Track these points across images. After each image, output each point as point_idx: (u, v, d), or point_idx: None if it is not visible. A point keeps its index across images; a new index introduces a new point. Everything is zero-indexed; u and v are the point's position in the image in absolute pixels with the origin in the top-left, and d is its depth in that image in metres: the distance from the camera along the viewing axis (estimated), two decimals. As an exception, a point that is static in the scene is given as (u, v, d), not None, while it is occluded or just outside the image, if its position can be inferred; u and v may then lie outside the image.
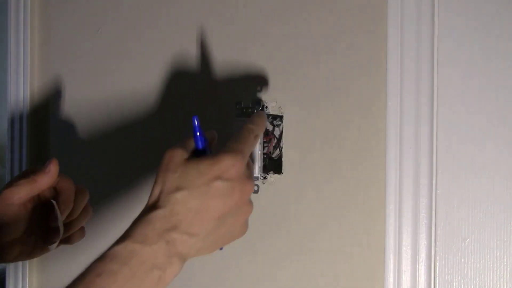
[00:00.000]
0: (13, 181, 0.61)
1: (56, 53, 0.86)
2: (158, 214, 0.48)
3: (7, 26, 0.88)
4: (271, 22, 0.71)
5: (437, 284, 0.63)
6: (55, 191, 0.62)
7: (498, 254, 0.61)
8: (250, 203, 0.51)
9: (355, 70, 0.67)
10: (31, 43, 0.87)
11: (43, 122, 0.87)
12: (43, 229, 0.63)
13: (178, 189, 0.48)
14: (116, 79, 0.81)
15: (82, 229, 0.67)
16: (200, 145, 0.51)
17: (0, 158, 1.37)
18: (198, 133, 0.51)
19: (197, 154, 0.51)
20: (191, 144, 0.52)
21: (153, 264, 0.46)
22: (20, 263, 0.87)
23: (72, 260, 0.85)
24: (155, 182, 0.50)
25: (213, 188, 0.48)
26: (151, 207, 0.49)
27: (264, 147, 0.70)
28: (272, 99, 0.71)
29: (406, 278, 0.63)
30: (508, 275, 0.60)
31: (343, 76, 0.67)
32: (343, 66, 0.67)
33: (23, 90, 0.87)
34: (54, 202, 0.60)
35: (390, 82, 0.64)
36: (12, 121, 0.88)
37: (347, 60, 0.67)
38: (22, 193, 0.59)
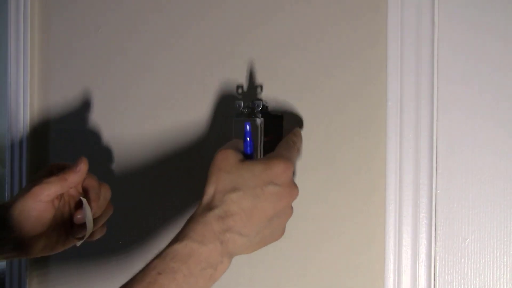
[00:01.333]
0: (42, 178, 0.62)
1: (56, 53, 0.86)
2: (214, 214, 0.50)
3: (7, 26, 0.88)
4: (271, 21, 0.71)
5: (437, 284, 0.63)
6: (81, 188, 0.65)
7: (498, 254, 0.61)
8: (290, 207, 0.54)
9: (355, 70, 0.67)
10: (31, 43, 0.87)
11: (43, 122, 0.87)
12: (66, 224, 0.65)
13: (233, 189, 0.50)
14: (116, 79, 0.81)
15: (103, 225, 0.68)
16: (249, 150, 0.54)
17: (0, 158, 1.37)
18: (248, 138, 0.54)
19: (244, 158, 0.53)
20: (240, 147, 0.55)
21: (208, 263, 0.49)
22: (19, 263, 0.87)
23: (72, 260, 0.85)
24: (208, 182, 0.52)
25: (266, 191, 0.50)
26: (206, 207, 0.50)
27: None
28: (272, 99, 0.71)
29: (406, 278, 0.63)
30: (508, 275, 0.60)
31: (343, 76, 0.67)
32: (343, 66, 0.67)
33: (23, 90, 0.87)
34: (84, 200, 0.62)
35: (390, 82, 0.64)
36: (12, 121, 0.88)
37: (347, 60, 0.67)
38: (52, 191, 0.61)
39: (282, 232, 0.55)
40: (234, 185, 0.50)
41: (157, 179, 0.79)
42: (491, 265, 0.61)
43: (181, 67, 0.77)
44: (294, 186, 0.52)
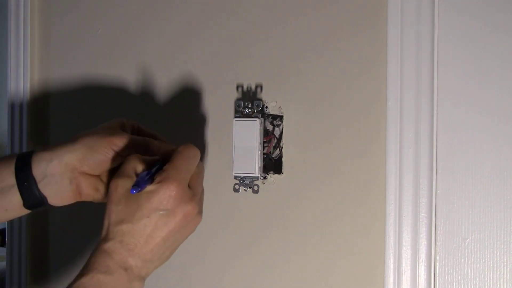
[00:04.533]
0: (124, 128, 0.63)
1: (56, 53, 0.86)
2: (110, 245, 0.51)
3: (7, 26, 0.88)
4: (271, 21, 0.71)
5: (437, 284, 0.63)
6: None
7: (498, 254, 0.61)
8: (196, 216, 0.55)
9: (355, 70, 0.67)
10: (31, 43, 0.87)
11: (43, 122, 0.87)
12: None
13: (122, 221, 0.52)
14: (116, 80, 0.81)
15: None
16: (142, 184, 0.53)
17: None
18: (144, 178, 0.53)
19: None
20: (137, 169, 0.55)
21: None
22: (19, 263, 0.87)
23: (72, 260, 0.85)
24: (104, 214, 0.53)
25: (154, 219, 0.52)
26: (104, 239, 0.52)
27: (264, 147, 0.70)
28: (272, 99, 0.71)
29: (406, 278, 0.63)
30: (508, 275, 0.60)
31: (343, 76, 0.67)
32: (343, 66, 0.67)
33: (23, 90, 0.87)
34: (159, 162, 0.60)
35: (390, 82, 0.64)
36: (12, 121, 0.88)
37: (347, 60, 0.67)
38: (132, 150, 0.60)
39: (191, 232, 0.56)
40: (123, 217, 0.52)
41: None
42: (491, 265, 0.61)
43: (181, 67, 0.77)
44: (187, 203, 0.53)
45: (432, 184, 0.63)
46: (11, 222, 0.87)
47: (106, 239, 0.52)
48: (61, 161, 0.59)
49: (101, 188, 0.62)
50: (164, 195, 0.52)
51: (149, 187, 0.52)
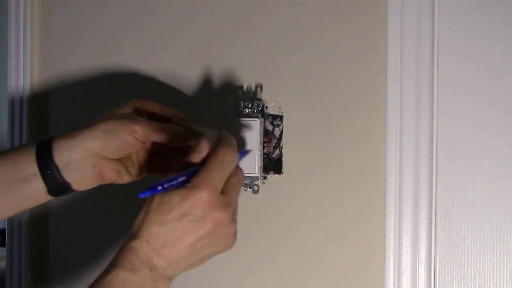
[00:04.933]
0: (140, 112, 0.62)
1: (56, 53, 0.86)
2: (137, 244, 0.51)
3: (7, 25, 0.88)
4: (271, 21, 0.71)
5: (437, 284, 0.63)
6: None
7: (498, 254, 0.61)
8: (228, 226, 0.53)
9: (355, 70, 0.67)
10: (31, 43, 0.87)
11: (43, 122, 0.87)
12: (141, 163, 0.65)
13: (152, 221, 0.51)
14: (116, 80, 0.81)
15: None
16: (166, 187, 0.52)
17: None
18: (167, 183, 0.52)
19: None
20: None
21: None
22: (19, 263, 0.87)
23: (72, 260, 0.85)
24: (141, 209, 0.53)
25: (183, 223, 0.51)
26: (133, 235, 0.52)
27: (264, 147, 0.70)
28: (272, 99, 0.71)
29: (406, 278, 0.63)
30: (508, 275, 0.60)
31: (343, 76, 0.67)
32: (343, 66, 0.67)
33: (23, 90, 0.87)
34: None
35: (390, 83, 0.64)
36: (12, 122, 0.88)
37: (347, 59, 0.67)
38: (151, 135, 0.60)
39: (227, 244, 0.55)
40: (153, 217, 0.51)
41: (157, 179, 0.79)
42: (491, 265, 0.61)
43: (181, 67, 0.77)
44: (219, 210, 0.51)
45: (432, 184, 0.63)
46: (11, 222, 0.87)
47: (134, 236, 0.52)
48: (83, 148, 0.59)
49: (123, 171, 0.63)
50: (195, 200, 0.50)
51: (182, 190, 0.51)
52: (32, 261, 0.87)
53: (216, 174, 0.52)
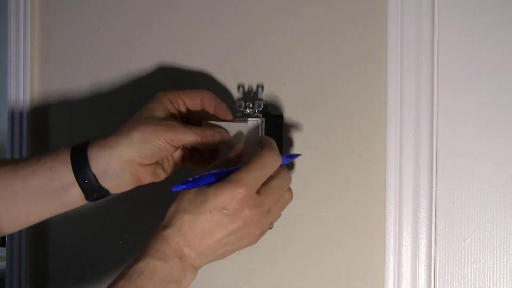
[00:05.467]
0: (170, 112, 0.63)
1: (56, 53, 0.86)
2: (169, 232, 0.53)
3: (7, 26, 0.88)
4: (270, 21, 0.71)
5: (437, 284, 0.63)
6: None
7: (498, 254, 0.61)
8: (255, 225, 0.54)
9: (355, 70, 0.67)
10: (31, 43, 0.87)
11: (43, 122, 0.87)
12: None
13: (187, 211, 0.53)
14: (116, 80, 0.81)
15: None
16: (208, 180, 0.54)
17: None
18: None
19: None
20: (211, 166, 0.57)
21: (171, 278, 0.52)
22: (19, 263, 0.87)
23: (72, 260, 0.85)
24: (175, 200, 0.55)
25: (215, 216, 0.52)
26: (164, 225, 0.54)
27: (264, 147, 0.70)
28: (272, 99, 0.71)
29: (406, 278, 0.63)
30: (508, 275, 0.60)
31: (343, 76, 0.67)
32: (343, 66, 0.67)
33: (23, 91, 0.87)
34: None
35: (390, 82, 0.64)
36: (12, 122, 0.88)
37: (347, 59, 0.67)
38: (192, 145, 0.62)
39: (253, 241, 0.57)
40: (188, 207, 0.53)
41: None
42: (491, 265, 0.61)
43: (181, 67, 0.77)
44: (251, 209, 0.53)
45: (432, 184, 0.63)
46: (11, 222, 0.87)
47: (166, 225, 0.53)
48: (120, 159, 0.60)
49: (159, 172, 0.63)
50: (230, 195, 0.52)
51: (219, 184, 0.53)
52: (32, 261, 0.87)
53: (255, 174, 0.54)
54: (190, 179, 0.53)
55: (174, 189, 0.53)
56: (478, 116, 0.61)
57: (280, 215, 0.60)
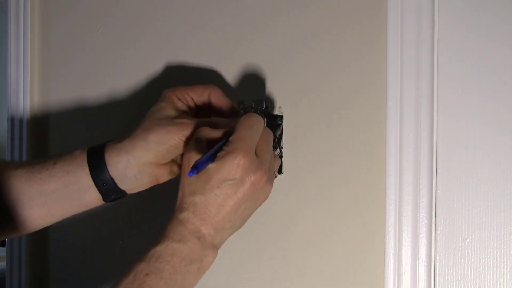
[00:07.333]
0: (178, 107, 0.64)
1: (56, 53, 0.86)
2: (184, 215, 0.54)
3: (7, 26, 0.88)
4: (270, 21, 0.71)
5: (437, 284, 0.63)
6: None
7: (498, 254, 0.61)
8: (265, 184, 0.56)
9: (355, 70, 0.67)
10: (31, 43, 0.87)
11: (43, 122, 0.87)
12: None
13: (194, 193, 0.54)
14: (116, 80, 0.82)
15: None
16: (210, 159, 0.55)
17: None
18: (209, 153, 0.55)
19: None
20: (203, 145, 0.57)
21: (191, 258, 0.53)
22: (19, 263, 0.87)
23: (72, 260, 0.85)
24: (179, 186, 0.56)
25: (224, 189, 0.54)
26: (178, 209, 0.55)
27: (264, 147, 0.70)
28: (272, 99, 0.71)
29: (406, 278, 0.63)
30: (508, 275, 0.60)
31: (343, 75, 0.67)
32: (343, 66, 0.67)
33: (23, 91, 0.87)
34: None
35: (390, 82, 0.64)
36: (12, 122, 0.88)
37: (347, 59, 0.67)
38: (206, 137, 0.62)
39: (264, 200, 0.58)
40: (194, 188, 0.55)
41: None
42: (491, 265, 0.61)
43: (182, 67, 0.77)
44: (255, 171, 0.54)
45: (432, 184, 0.63)
46: (11, 222, 0.87)
47: (180, 209, 0.55)
48: (138, 163, 0.61)
49: (175, 169, 0.65)
50: (232, 165, 0.53)
51: (217, 160, 0.54)
52: (32, 261, 0.87)
53: (247, 138, 0.55)
54: (199, 161, 0.53)
55: (190, 175, 0.53)
56: (478, 116, 0.61)
57: (279, 160, 0.66)
